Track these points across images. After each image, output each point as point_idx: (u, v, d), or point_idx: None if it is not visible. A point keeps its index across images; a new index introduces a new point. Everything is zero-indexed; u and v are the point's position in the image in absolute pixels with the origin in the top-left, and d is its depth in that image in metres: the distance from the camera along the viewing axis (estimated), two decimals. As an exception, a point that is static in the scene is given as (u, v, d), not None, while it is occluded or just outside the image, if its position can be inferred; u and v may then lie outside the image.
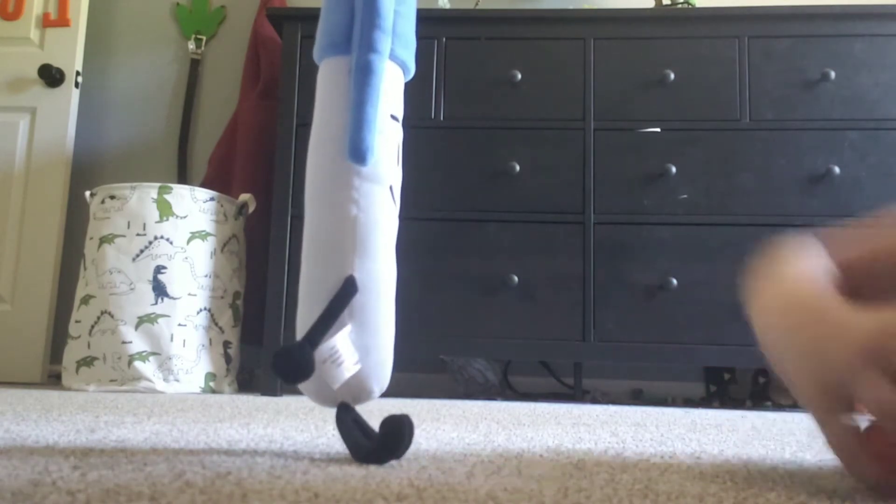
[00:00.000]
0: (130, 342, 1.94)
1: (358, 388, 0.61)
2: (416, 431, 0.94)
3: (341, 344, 0.58)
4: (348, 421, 0.61)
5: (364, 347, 0.60)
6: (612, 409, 1.73)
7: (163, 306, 1.97)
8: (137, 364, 1.93)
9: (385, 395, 2.17)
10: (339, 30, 0.63)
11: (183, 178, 2.58)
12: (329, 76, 0.63)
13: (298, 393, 2.14)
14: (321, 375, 0.58)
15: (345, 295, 0.58)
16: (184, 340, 1.98)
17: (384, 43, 0.61)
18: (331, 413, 1.27)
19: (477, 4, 2.55)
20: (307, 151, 0.64)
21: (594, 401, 2.14)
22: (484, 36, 2.08)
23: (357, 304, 0.59)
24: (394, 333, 0.63)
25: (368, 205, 0.60)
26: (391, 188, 0.63)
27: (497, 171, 2.00)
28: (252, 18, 2.67)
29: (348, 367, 0.58)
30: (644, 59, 2.02)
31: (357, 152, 0.59)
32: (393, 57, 0.64)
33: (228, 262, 2.13)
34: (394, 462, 0.61)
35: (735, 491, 0.50)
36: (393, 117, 0.63)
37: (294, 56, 2.08)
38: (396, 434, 0.58)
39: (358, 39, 0.61)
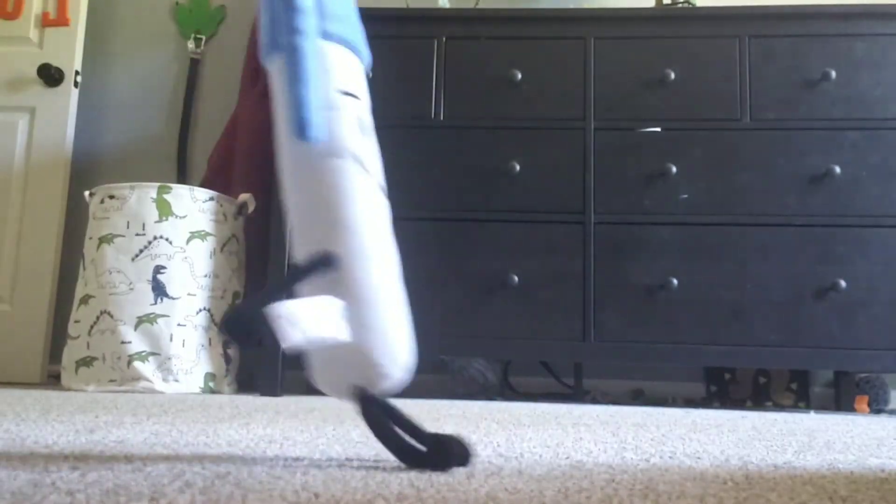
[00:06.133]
0: (130, 342, 1.94)
1: (366, 367, 0.59)
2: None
3: (300, 305, 0.57)
4: (378, 415, 0.59)
5: (364, 325, 0.58)
6: (612, 409, 1.73)
7: (162, 306, 1.97)
8: (137, 364, 1.93)
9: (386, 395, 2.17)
10: (271, 28, 0.63)
11: (182, 178, 2.58)
12: (275, 73, 0.64)
13: (298, 393, 2.14)
14: (285, 338, 0.56)
15: (312, 265, 0.58)
16: (183, 340, 1.98)
17: (303, 22, 0.61)
18: (330, 414, 1.26)
19: (477, 4, 2.55)
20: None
21: (594, 401, 2.14)
22: (484, 35, 2.08)
23: (347, 280, 0.58)
24: (405, 312, 0.62)
25: (335, 180, 0.60)
26: (359, 160, 0.62)
27: (497, 171, 2.00)
28: (252, 18, 2.67)
29: (309, 330, 0.56)
30: (644, 59, 2.02)
31: (299, 130, 0.59)
32: (327, 35, 0.63)
33: (228, 262, 2.12)
34: (394, 462, 0.61)
35: (735, 491, 0.50)
36: (345, 93, 0.63)
37: (294, 56, 2.08)
38: (446, 449, 0.57)
39: (281, 26, 0.61)
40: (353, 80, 0.64)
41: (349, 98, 0.63)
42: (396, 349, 0.60)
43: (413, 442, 0.59)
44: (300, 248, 0.61)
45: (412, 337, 0.62)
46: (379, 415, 0.59)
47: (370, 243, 0.60)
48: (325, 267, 0.58)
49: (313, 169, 0.60)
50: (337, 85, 0.63)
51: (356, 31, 0.66)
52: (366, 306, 0.59)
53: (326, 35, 0.63)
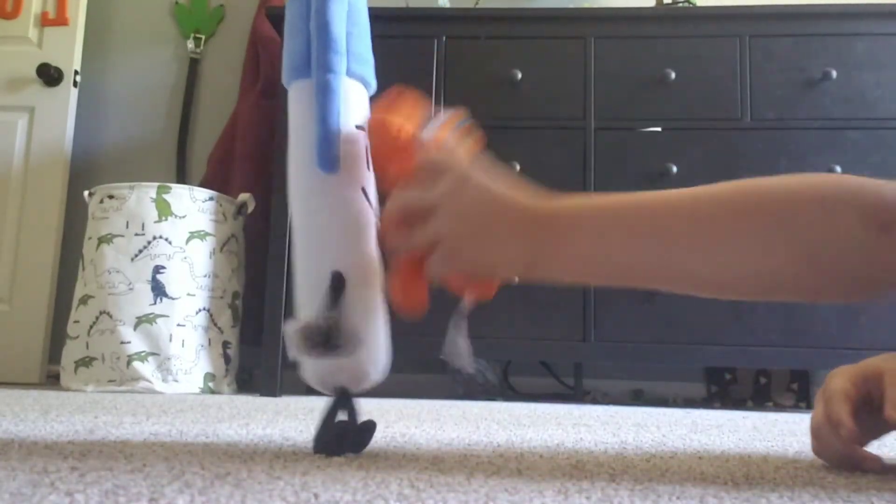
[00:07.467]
0: (129, 342, 1.94)
1: (354, 371, 0.66)
2: (417, 432, 0.94)
3: (307, 323, 0.65)
4: (334, 413, 0.66)
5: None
6: (612, 409, 1.73)
7: (161, 306, 1.97)
8: (136, 364, 1.93)
9: (386, 395, 2.17)
10: (300, 55, 0.70)
11: (182, 178, 2.58)
12: (297, 98, 0.71)
13: (298, 393, 2.14)
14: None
15: (334, 289, 0.65)
16: (183, 341, 1.98)
17: (339, 64, 0.69)
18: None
19: (477, 3, 2.55)
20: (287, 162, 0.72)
21: (594, 401, 2.14)
22: (484, 35, 2.08)
23: (348, 298, 0.66)
24: (387, 324, 0.69)
25: (341, 207, 0.67)
26: (364, 190, 0.69)
27: (497, 170, 2.00)
28: (251, 17, 2.67)
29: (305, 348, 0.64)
30: (645, 58, 2.02)
31: (326, 162, 0.66)
32: (350, 74, 0.70)
33: (227, 261, 2.12)
34: (394, 462, 0.61)
35: (736, 492, 0.50)
36: (358, 127, 0.70)
37: (293, 55, 2.08)
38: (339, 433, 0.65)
39: (315, 63, 0.68)
40: (363, 113, 0.72)
41: (361, 132, 0.70)
42: (381, 358, 0.68)
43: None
44: (306, 264, 0.69)
45: (389, 343, 0.70)
46: (339, 408, 0.66)
47: (364, 264, 0.68)
48: (340, 286, 0.65)
49: (329, 196, 0.67)
50: (354, 120, 0.70)
51: (370, 67, 0.74)
52: (362, 321, 0.66)
53: (350, 73, 0.70)
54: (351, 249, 0.67)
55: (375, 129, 0.68)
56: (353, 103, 0.70)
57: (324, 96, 0.67)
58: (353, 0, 0.72)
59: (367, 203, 0.69)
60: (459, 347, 0.71)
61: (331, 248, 0.67)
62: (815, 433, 0.66)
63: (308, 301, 0.67)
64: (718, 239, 0.59)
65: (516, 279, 0.65)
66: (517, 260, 0.63)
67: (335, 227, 0.67)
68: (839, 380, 0.64)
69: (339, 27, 0.69)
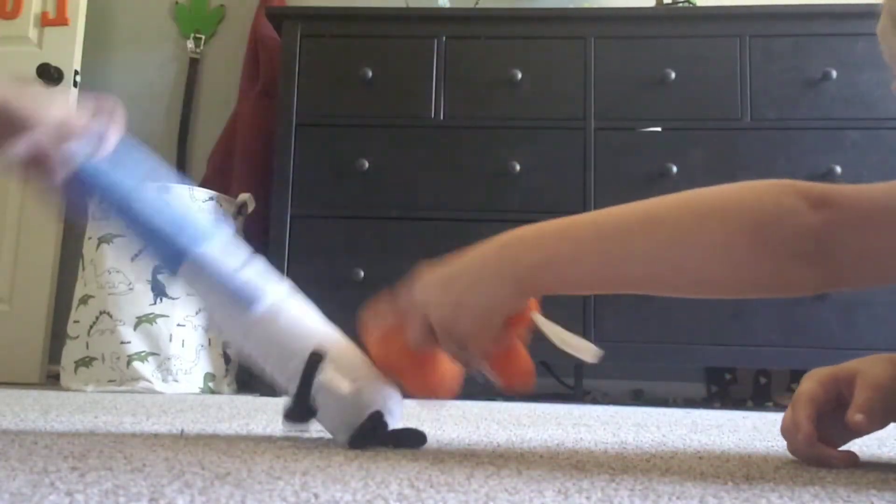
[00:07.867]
0: (129, 342, 1.94)
1: (382, 395, 0.73)
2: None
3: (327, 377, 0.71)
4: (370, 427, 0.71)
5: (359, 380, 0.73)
6: (612, 409, 1.73)
7: (162, 306, 1.97)
8: (136, 364, 1.93)
9: (385, 395, 2.17)
10: (164, 255, 0.78)
11: (182, 178, 2.58)
12: (190, 280, 0.78)
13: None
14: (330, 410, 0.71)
15: (312, 363, 0.72)
16: (183, 341, 1.98)
17: (192, 239, 0.76)
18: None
19: (477, 3, 2.55)
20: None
21: (595, 401, 2.14)
22: (484, 35, 2.08)
23: (334, 359, 0.73)
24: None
25: (284, 313, 0.76)
26: (291, 291, 0.78)
27: (497, 170, 2.00)
28: (251, 17, 2.66)
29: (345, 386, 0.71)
30: (645, 58, 2.02)
31: (250, 303, 0.74)
32: (205, 238, 0.78)
33: (228, 261, 2.12)
34: (394, 462, 0.61)
35: (736, 492, 0.50)
36: (246, 260, 0.78)
37: (293, 55, 2.08)
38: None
39: (179, 251, 0.76)
40: (238, 247, 0.80)
41: (251, 258, 0.78)
42: (391, 393, 0.74)
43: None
44: (288, 366, 0.74)
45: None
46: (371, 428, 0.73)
47: (326, 331, 0.76)
48: (319, 359, 0.72)
49: (268, 319, 0.75)
50: (239, 260, 0.78)
51: (205, 221, 0.82)
52: (353, 369, 0.73)
53: (205, 238, 0.78)
54: (311, 330, 0.75)
55: (386, 351, 0.74)
56: (229, 250, 0.78)
57: (209, 267, 0.75)
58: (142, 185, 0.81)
59: (295, 295, 0.78)
60: (572, 340, 0.75)
61: (299, 340, 0.74)
62: (784, 434, 0.70)
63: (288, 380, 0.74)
64: (671, 233, 0.64)
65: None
66: (508, 291, 0.67)
67: (291, 328, 0.75)
68: (808, 383, 0.68)
69: (168, 218, 0.78)
